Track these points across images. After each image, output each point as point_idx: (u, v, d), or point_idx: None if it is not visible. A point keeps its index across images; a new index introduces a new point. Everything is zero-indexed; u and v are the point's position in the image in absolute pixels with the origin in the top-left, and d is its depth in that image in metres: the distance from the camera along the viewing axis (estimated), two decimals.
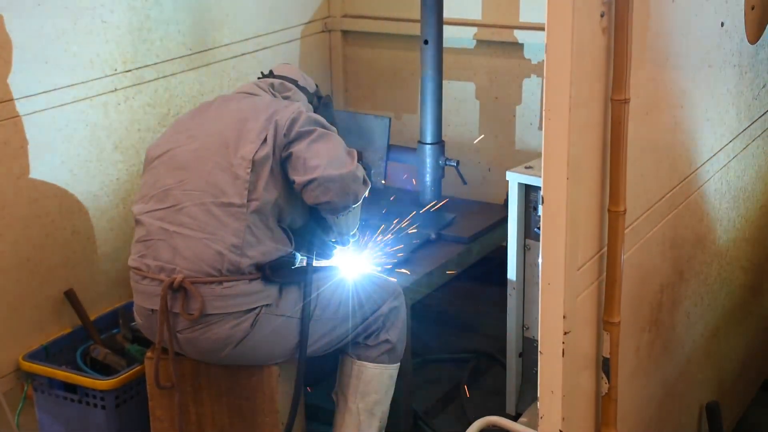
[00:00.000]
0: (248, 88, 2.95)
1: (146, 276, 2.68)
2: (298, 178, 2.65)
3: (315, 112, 2.94)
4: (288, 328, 2.73)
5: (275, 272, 2.68)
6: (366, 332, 2.84)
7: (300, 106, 2.79)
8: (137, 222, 2.74)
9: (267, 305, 2.68)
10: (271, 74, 3.05)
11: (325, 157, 2.65)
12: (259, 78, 3.06)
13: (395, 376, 2.91)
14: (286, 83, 3.00)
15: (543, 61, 1.87)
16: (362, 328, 2.83)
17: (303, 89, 3.03)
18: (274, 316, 2.70)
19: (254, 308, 2.66)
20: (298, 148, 2.66)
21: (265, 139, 2.66)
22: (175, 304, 2.63)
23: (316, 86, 3.12)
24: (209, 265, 2.62)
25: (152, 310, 2.69)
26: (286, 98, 2.95)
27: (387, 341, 2.85)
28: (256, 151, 2.65)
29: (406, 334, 2.95)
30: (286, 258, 2.72)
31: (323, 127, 2.73)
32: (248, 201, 2.64)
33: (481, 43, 3.98)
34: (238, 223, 2.63)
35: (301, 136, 2.68)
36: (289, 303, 2.73)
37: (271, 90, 2.95)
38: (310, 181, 2.64)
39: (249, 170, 2.64)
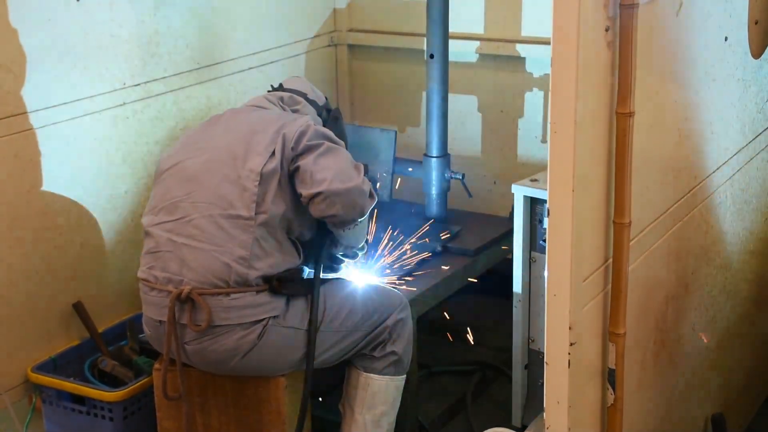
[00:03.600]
0: (258, 102, 2.97)
1: (154, 287, 2.70)
2: (305, 191, 2.67)
3: (324, 125, 2.96)
4: (295, 340, 2.74)
5: (283, 284, 2.69)
6: (372, 344, 2.85)
7: (308, 119, 2.81)
8: (146, 234, 2.76)
9: (274, 317, 2.70)
10: (281, 87, 3.08)
11: (331, 170, 2.67)
12: (269, 91, 3.08)
13: (402, 388, 2.92)
14: (296, 96, 3.02)
15: (545, 74, 1.89)
16: (369, 340, 2.84)
17: (312, 102, 3.05)
18: (281, 327, 2.71)
19: (261, 320, 2.67)
20: (305, 162, 2.68)
21: (273, 152, 2.68)
22: (183, 316, 2.65)
23: (326, 99, 3.14)
24: (217, 277, 2.64)
25: (160, 321, 2.70)
26: (295, 111, 2.97)
27: (393, 353, 2.86)
28: (265, 164, 2.67)
29: (413, 346, 2.96)
30: (293, 270, 2.73)
31: (331, 140, 2.75)
32: (256, 214, 2.65)
33: (484, 56, 4.00)
34: (246, 235, 2.65)
35: (308, 150, 2.70)
36: (297, 315, 2.74)
37: (281, 103, 2.98)
38: (316, 195, 2.66)
39: (257, 183, 2.66)
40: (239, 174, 2.68)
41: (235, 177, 2.68)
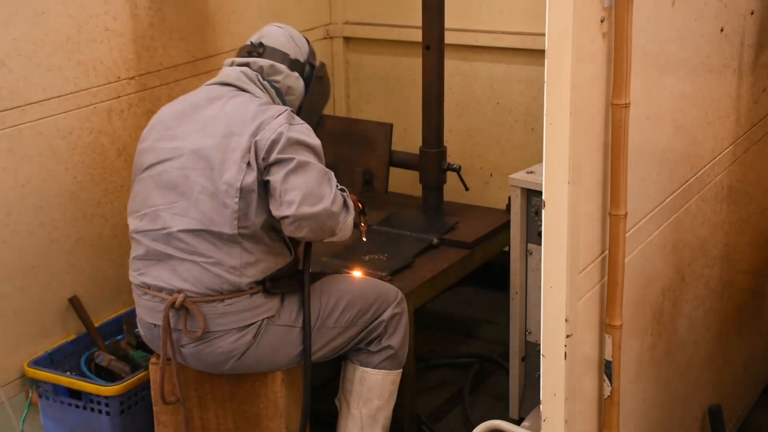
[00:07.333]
0: (235, 78, 2.77)
1: (147, 292, 2.69)
2: (274, 211, 2.61)
3: (307, 87, 2.84)
4: (290, 337, 2.73)
5: (276, 284, 2.68)
6: (368, 338, 2.85)
7: (284, 118, 2.64)
8: (133, 238, 2.72)
9: (269, 317, 2.69)
10: (260, 45, 2.84)
11: (300, 192, 2.57)
12: (248, 52, 2.85)
13: (398, 382, 2.91)
14: (277, 65, 2.80)
15: (542, 66, 1.88)
16: (365, 335, 2.84)
17: (295, 62, 2.84)
18: (276, 326, 2.70)
19: (257, 321, 2.67)
20: (274, 179, 2.59)
21: (249, 163, 2.60)
22: (178, 322, 2.63)
23: (310, 49, 2.92)
24: (209, 287, 2.61)
25: (155, 324, 2.69)
26: (274, 86, 2.79)
27: (389, 347, 2.86)
28: (243, 179, 2.59)
29: (409, 340, 2.96)
30: (286, 269, 2.72)
31: (303, 145, 2.62)
32: (239, 229, 2.60)
33: (480, 48, 4.00)
34: (233, 248, 2.60)
35: (278, 163, 2.59)
36: (291, 312, 2.73)
37: (260, 80, 2.79)
38: (284, 218, 2.59)
39: (236, 199, 2.58)
40: (217, 187, 2.60)
41: (213, 190, 2.60)
